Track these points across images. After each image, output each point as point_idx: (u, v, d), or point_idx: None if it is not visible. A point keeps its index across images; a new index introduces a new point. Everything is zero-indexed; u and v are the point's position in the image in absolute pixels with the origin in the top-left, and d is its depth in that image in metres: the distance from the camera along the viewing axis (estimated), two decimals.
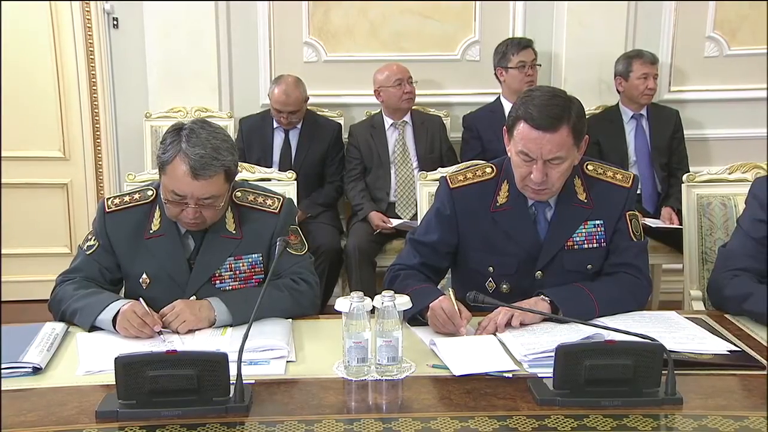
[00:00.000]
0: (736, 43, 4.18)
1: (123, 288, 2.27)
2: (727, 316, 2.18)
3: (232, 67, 4.28)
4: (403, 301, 1.87)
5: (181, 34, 4.15)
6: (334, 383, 1.79)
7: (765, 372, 1.81)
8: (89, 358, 1.89)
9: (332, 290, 3.85)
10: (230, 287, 2.18)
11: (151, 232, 2.19)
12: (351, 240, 3.80)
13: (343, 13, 4.22)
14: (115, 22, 4.22)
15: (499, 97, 4.07)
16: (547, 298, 2.12)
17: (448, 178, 2.31)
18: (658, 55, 4.04)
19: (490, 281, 2.28)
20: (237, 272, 2.20)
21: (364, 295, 1.83)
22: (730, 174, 2.75)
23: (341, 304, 1.83)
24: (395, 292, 1.86)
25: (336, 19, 4.23)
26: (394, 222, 3.81)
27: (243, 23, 4.22)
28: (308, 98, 4.00)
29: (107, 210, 2.22)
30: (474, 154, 3.87)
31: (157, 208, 2.20)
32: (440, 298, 2.08)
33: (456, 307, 2.04)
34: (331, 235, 3.87)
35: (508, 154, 2.20)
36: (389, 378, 1.81)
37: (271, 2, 4.19)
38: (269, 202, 2.26)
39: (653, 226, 3.74)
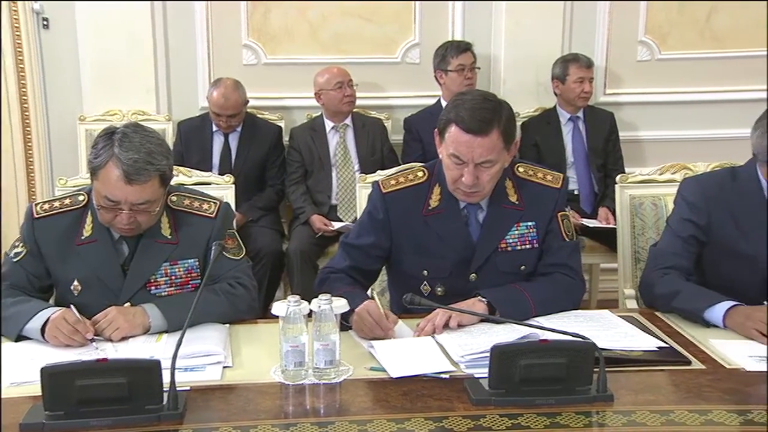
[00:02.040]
0: (667, 48, 4.29)
1: (53, 296, 2.22)
2: (657, 313, 2.24)
3: (170, 69, 4.22)
4: (340, 304, 1.87)
5: (116, 35, 4.07)
6: (271, 388, 1.78)
7: (690, 366, 1.86)
8: (15, 369, 1.84)
9: (274, 294, 3.83)
10: (166, 293, 2.15)
11: (82, 238, 2.14)
12: (292, 243, 3.79)
13: (282, 14, 4.20)
14: (45, 23, 4.12)
15: (439, 99, 4.11)
16: (484, 299, 2.14)
17: (380, 182, 2.32)
18: (594, 59, 4.13)
19: (425, 284, 2.29)
20: (173, 278, 2.16)
21: (307, 299, 1.83)
22: (660, 175, 2.82)
23: (278, 308, 1.82)
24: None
25: (275, 21, 4.21)
26: (336, 225, 3.81)
27: (180, 24, 4.17)
28: (248, 101, 3.97)
29: (35, 216, 2.16)
30: (415, 156, 3.90)
31: (89, 213, 2.15)
32: (366, 302, 2.06)
33: (382, 311, 2.04)
34: (272, 238, 3.85)
35: (440, 156, 2.22)
36: (327, 381, 1.80)
37: (208, 2, 4.14)
38: (205, 206, 2.23)
39: (590, 226, 3.83)
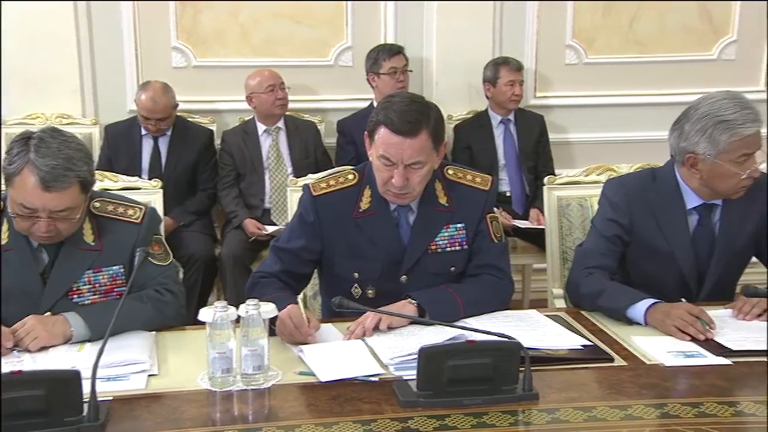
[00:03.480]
0: (593, 52, 4.39)
1: None
2: (583, 312, 2.28)
3: (96, 71, 4.13)
4: (269, 309, 1.86)
5: (38, 36, 3.96)
6: (197, 395, 1.75)
7: (613, 363, 1.91)
8: None
9: (207, 300, 3.78)
10: (89, 301, 2.10)
11: None
12: (225, 248, 3.75)
13: (212, 17, 4.16)
14: None
15: (372, 102, 4.12)
16: (414, 301, 2.16)
17: (310, 186, 2.32)
18: (524, 62, 4.19)
19: (356, 287, 2.30)
20: (96, 285, 2.11)
21: (241, 304, 1.81)
22: (586, 176, 2.88)
23: (204, 314, 1.80)
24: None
25: (205, 23, 4.16)
26: (270, 229, 3.78)
27: (106, 25, 4.08)
28: (177, 105, 3.91)
29: None
30: (349, 158, 3.90)
31: (5, 220, 2.08)
32: (288, 307, 2.04)
33: (304, 316, 2.03)
34: (204, 243, 3.80)
35: (370, 158, 2.23)
36: (255, 387, 1.79)
37: (135, 2, 4.07)
38: (130, 211, 2.19)
39: (522, 227, 3.90)
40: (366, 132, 2.23)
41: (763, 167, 2.32)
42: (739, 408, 1.67)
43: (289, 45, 4.24)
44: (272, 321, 2.02)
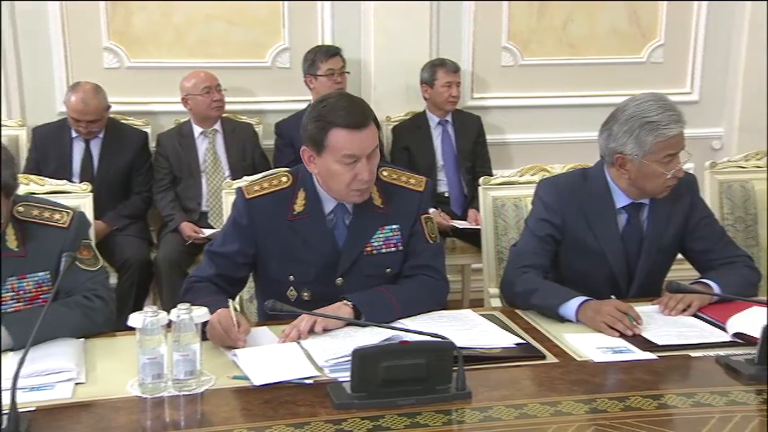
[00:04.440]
0: (528, 54, 4.46)
1: None
2: (517, 311, 2.31)
3: (22, 72, 4.01)
4: (201, 313, 1.83)
5: None
6: (127, 403, 1.72)
7: (545, 361, 1.94)
8: None
9: (143, 305, 3.70)
10: (13, 309, 2.03)
11: None
12: (161, 252, 3.70)
13: (145, 17, 4.08)
14: None
15: (310, 104, 4.09)
16: (349, 303, 2.15)
17: (243, 189, 2.29)
18: (460, 64, 4.23)
19: (291, 290, 2.28)
20: (21, 293, 2.05)
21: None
22: (520, 177, 2.92)
23: (134, 319, 1.77)
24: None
25: (138, 24, 4.09)
26: (207, 232, 3.74)
27: (31, 26, 3.97)
28: (110, 106, 3.82)
29: None
30: (287, 161, 3.87)
31: None
32: (218, 311, 2.02)
33: (234, 320, 2.00)
34: (139, 247, 3.74)
35: (317, 170, 2.20)
36: (187, 392, 1.76)
37: (63, 3, 3.96)
38: (57, 216, 2.13)
39: (460, 227, 3.93)
40: (306, 147, 2.20)
41: (686, 167, 2.38)
42: (662, 401, 1.72)
43: (224, 46, 4.19)
44: (205, 325, 1.99)
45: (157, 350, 1.75)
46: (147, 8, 4.08)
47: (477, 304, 3.14)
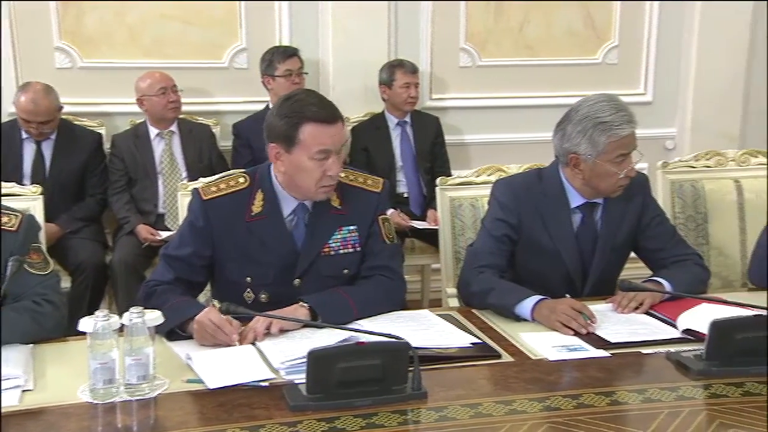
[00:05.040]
0: (486, 55, 4.48)
1: None
2: (474, 310, 2.33)
3: None
4: (154, 317, 1.81)
5: None
6: (77, 409, 1.69)
7: (500, 360, 1.96)
8: None
9: (97, 309, 3.63)
10: None
11: None
12: (116, 255, 3.65)
13: (98, 17, 4.01)
14: None
15: (268, 104, 4.07)
16: (306, 304, 2.15)
17: (200, 190, 2.27)
18: (419, 65, 4.24)
19: (249, 291, 2.27)
20: None
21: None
22: (477, 177, 2.94)
23: (85, 323, 1.74)
24: (153, 309, 1.81)
25: (90, 24, 4.01)
26: (164, 234, 3.69)
27: None
28: (62, 107, 3.75)
29: None
30: (245, 162, 3.85)
31: None
32: (206, 309, 2.04)
33: (224, 317, 2.01)
34: (93, 250, 3.68)
35: (285, 168, 2.19)
36: (140, 397, 1.74)
37: (11, 2, 3.87)
38: (5, 219, 2.09)
39: (420, 227, 3.94)
40: (276, 143, 2.17)
41: (640, 167, 2.42)
42: (614, 398, 1.74)
43: (180, 46, 4.14)
44: (183, 326, 2.02)
45: (108, 355, 1.72)
46: (99, 8, 4.00)
47: (436, 304, 3.15)
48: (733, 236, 2.96)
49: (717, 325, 1.85)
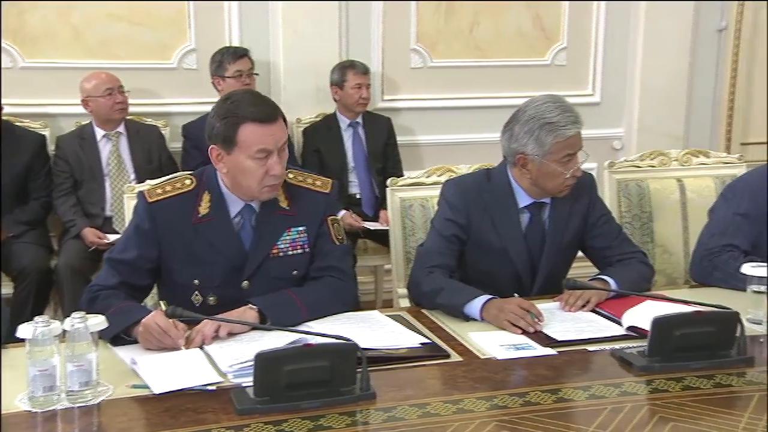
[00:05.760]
0: (437, 56, 4.51)
1: None
2: (423, 311, 2.33)
3: None
4: (96, 322, 1.78)
5: None
6: (15, 418, 1.64)
7: (449, 360, 1.96)
8: None
9: (41, 314, 3.56)
10: None
11: None
12: (62, 259, 3.57)
13: (40, 17, 3.92)
14: None
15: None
16: (254, 307, 2.13)
17: (145, 192, 2.24)
18: (370, 66, 4.24)
19: (197, 294, 2.24)
20: None
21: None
22: (427, 177, 2.95)
23: (24, 330, 1.70)
24: (97, 314, 1.78)
25: (33, 23, 3.92)
26: (111, 237, 3.63)
27: None
28: (2, 108, 3.65)
29: None
30: (195, 163, 3.79)
31: None
32: (153, 313, 2.01)
33: (171, 321, 1.98)
34: (38, 254, 3.60)
35: (227, 169, 2.17)
36: (82, 404, 1.70)
37: None
38: None
39: (372, 228, 3.95)
40: (216, 145, 2.16)
41: (589, 167, 2.46)
42: (560, 395, 1.76)
43: (127, 47, 4.07)
44: (128, 330, 1.99)
45: (48, 361, 1.68)
46: (42, 7, 3.91)
47: (390, 304, 3.15)
48: (677, 235, 3.02)
49: (658, 322, 1.88)
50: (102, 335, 1.85)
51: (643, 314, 2.10)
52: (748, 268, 2.17)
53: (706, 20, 4.75)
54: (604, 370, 1.89)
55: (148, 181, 2.70)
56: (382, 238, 3.89)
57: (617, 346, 2.00)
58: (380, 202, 4.16)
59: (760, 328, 2.11)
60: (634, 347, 1.96)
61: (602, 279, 2.39)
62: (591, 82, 4.74)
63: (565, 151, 2.34)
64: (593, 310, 2.27)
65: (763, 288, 2.12)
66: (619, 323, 2.15)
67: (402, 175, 3.29)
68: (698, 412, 1.67)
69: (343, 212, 3.87)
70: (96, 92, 3.74)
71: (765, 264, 2.16)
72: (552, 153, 2.34)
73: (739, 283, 2.24)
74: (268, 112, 2.13)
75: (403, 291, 2.83)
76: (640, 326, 2.06)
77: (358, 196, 4.16)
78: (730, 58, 4.83)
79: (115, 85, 3.78)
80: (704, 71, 4.82)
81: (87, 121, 3.88)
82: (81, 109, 3.82)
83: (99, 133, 3.83)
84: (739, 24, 4.79)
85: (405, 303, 2.75)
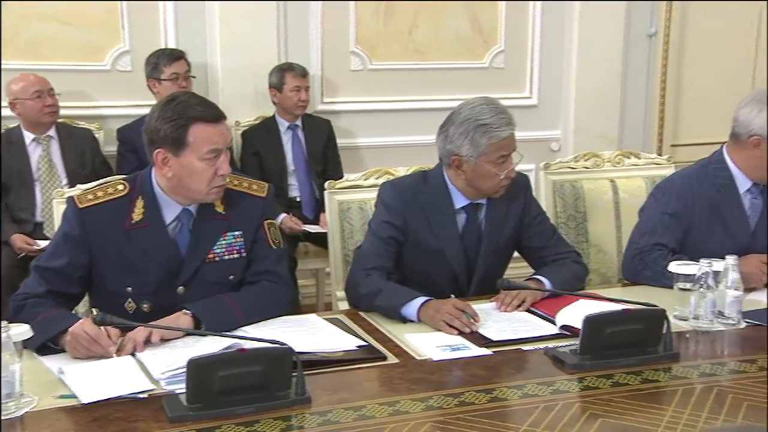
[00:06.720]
0: (376, 58, 4.51)
1: None
2: (360, 313, 2.33)
3: None
4: (20, 331, 1.72)
5: None
6: None
7: (386, 362, 1.96)
8: None
9: None
10: None
11: None
12: None
13: None
14: None
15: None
16: (189, 312, 2.10)
17: (75, 198, 2.19)
18: (309, 68, 4.22)
19: (130, 301, 2.19)
20: None
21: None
22: (365, 180, 2.94)
23: None
24: (22, 323, 1.73)
25: None
26: (42, 243, 3.52)
27: None
28: None
29: None
30: (131, 167, 3.71)
31: None
32: (81, 321, 1.96)
33: (101, 328, 1.94)
34: None
35: (173, 173, 2.13)
36: (5, 417, 1.65)
37: None
38: None
39: (312, 231, 3.92)
40: (162, 149, 2.11)
41: (527, 168, 2.49)
42: (494, 394, 1.77)
43: (58, 48, 3.96)
44: (56, 339, 1.94)
45: None
46: None
47: (331, 307, 3.14)
48: (610, 234, 3.08)
49: (589, 321, 1.92)
50: (27, 345, 1.79)
51: (576, 313, 2.13)
52: (675, 267, 2.22)
53: (637, 22, 4.85)
54: (538, 369, 1.92)
55: (79, 186, 2.63)
56: (322, 241, 3.86)
57: (551, 345, 2.03)
58: (320, 205, 4.13)
59: (686, 324, 2.17)
60: (567, 346, 1.99)
61: (537, 279, 2.43)
62: (528, 85, 4.80)
63: (499, 152, 2.37)
64: (528, 310, 2.30)
65: (689, 285, 2.18)
66: (553, 322, 2.18)
67: (342, 178, 3.29)
68: (626, 407, 1.71)
69: (283, 215, 3.85)
70: (24, 95, 3.64)
71: (691, 262, 2.21)
72: (486, 154, 2.36)
73: (667, 281, 2.29)
74: (215, 112, 2.15)
75: (342, 294, 2.81)
76: (573, 325, 2.09)
77: (298, 199, 4.14)
78: (660, 62, 4.96)
79: (44, 87, 3.67)
80: (636, 74, 4.93)
81: (15, 125, 3.76)
82: (8, 112, 3.71)
83: (28, 136, 3.72)
84: (668, 28, 4.91)
85: (344, 305, 2.73)
